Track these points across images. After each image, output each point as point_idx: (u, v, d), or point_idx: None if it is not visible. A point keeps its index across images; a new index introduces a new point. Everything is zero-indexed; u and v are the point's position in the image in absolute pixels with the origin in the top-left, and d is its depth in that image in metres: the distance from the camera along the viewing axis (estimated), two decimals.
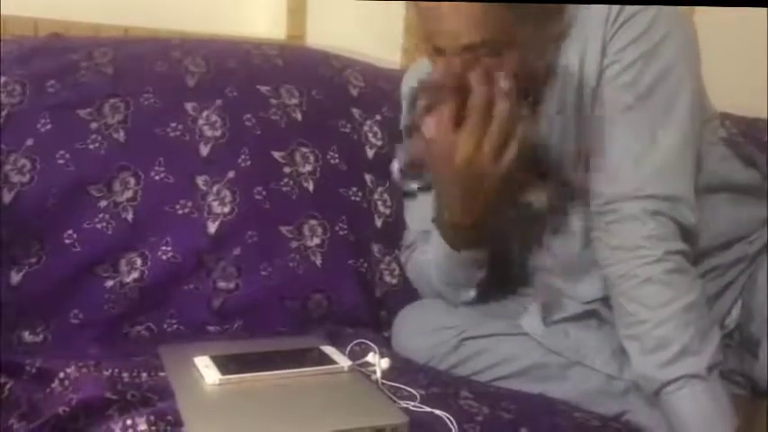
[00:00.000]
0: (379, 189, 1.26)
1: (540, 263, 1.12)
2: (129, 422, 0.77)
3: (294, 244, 1.17)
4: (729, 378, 1.00)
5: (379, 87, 1.35)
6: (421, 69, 1.03)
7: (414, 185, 1.07)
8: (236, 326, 1.13)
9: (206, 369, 0.89)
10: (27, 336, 1.05)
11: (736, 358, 1.04)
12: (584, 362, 1.02)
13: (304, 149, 1.23)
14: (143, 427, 0.77)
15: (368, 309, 1.19)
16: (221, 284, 1.13)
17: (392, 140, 1.27)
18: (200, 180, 1.16)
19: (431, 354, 1.08)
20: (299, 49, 1.47)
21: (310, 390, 0.88)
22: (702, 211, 0.98)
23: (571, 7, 0.99)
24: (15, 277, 1.06)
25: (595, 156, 0.99)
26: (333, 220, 1.20)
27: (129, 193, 1.13)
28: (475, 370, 1.06)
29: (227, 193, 1.16)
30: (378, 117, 1.30)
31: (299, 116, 1.25)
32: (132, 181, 1.13)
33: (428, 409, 0.85)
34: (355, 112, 1.30)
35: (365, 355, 0.97)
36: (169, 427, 0.77)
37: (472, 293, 1.10)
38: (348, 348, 1.00)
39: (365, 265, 1.21)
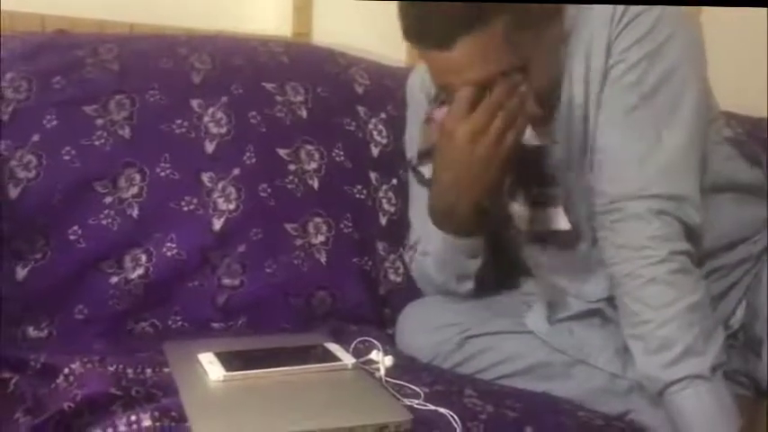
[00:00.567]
0: (384, 187, 1.26)
1: (545, 261, 1.11)
2: (133, 418, 0.77)
3: (299, 241, 1.17)
4: (733, 378, 0.99)
5: (384, 85, 1.35)
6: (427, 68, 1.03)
7: (427, 171, 1.07)
8: (240, 322, 1.13)
9: (210, 365, 0.89)
10: (32, 331, 1.06)
11: (740, 358, 1.03)
12: (588, 360, 1.02)
13: (309, 147, 1.23)
14: (147, 422, 0.77)
15: (372, 306, 1.19)
16: (226, 281, 1.13)
17: (397, 138, 1.27)
18: (205, 177, 1.16)
19: (435, 351, 1.08)
20: (305, 46, 1.47)
21: (314, 387, 0.88)
22: (707, 211, 0.98)
23: (572, 7, 0.99)
24: (21, 273, 1.06)
25: (600, 155, 0.99)
26: (337, 217, 1.20)
27: (134, 190, 1.13)
28: (479, 368, 1.06)
29: (232, 191, 1.16)
30: (383, 115, 1.31)
31: (304, 114, 1.25)
32: (138, 177, 1.14)
33: (432, 407, 0.85)
34: (360, 109, 1.30)
35: (369, 352, 0.97)
36: (173, 423, 0.78)
37: (470, 285, 1.10)
38: (352, 346, 1.00)
39: (370, 262, 1.21)
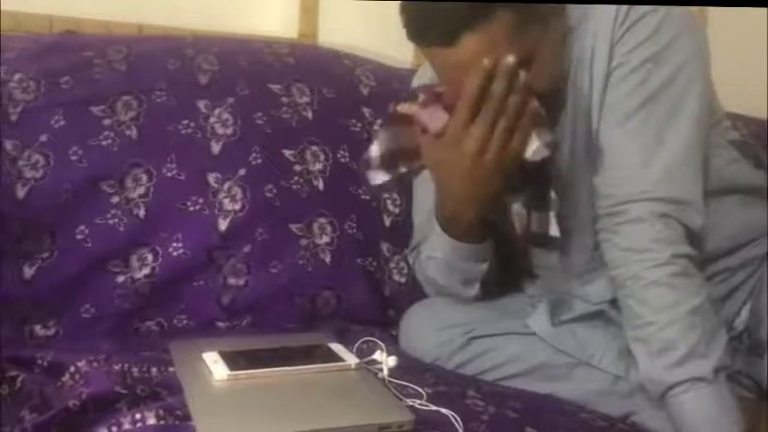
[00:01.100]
0: None
1: (549, 263, 1.12)
2: (138, 416, 0.78)
3: (303, 242, 1.18)
4: (737, 380, 0.99)
5: (390, 87, 1.35)
6: (432, 69, 1.03)
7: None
8: (245, 322, 1.14)
9: (215, 365, 0.90)
10: (39, 329, 1.06)
11: (744, 361, 1.03)
12: (591, 362, 1.02)
13: (314, 148, 1.23)
14: (152, 421, 0.77)
15: (376, 307, 1.20)
16: (231, 281, 1.14)
17: None
18: (211, 177, 1.17)
19: (438, 352, 1.08)
20: (311, 47, 1.47)
21: (317, 386, 0.88)
22: (712, 214, 0.98)
23: (576, 6, 0.99)
24: (28, 272, 1.07)
25: (603, 157, 0.99)
26: (342, 218, 1.21)
27: (140, 190, 1.14)
28: (482, 369, 1.06)
29: (237, 191, 1.17)
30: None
31: (309, 115, 1.26)
32: (144, 177, 1.14)
33: (434, 408, 0.86)
34: (366, 111, 1.30)
35: (372, 352, 0.98)
36: (177, 422, 0.78)
37: (475, 289, 1.10)
38: (356, 346, 1.00)
39: (374, 263, 1.22)
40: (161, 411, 0.78)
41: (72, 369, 0.90)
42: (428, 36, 0.92)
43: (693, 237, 0.95)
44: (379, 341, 1.01)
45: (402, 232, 1.24)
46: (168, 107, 1.19)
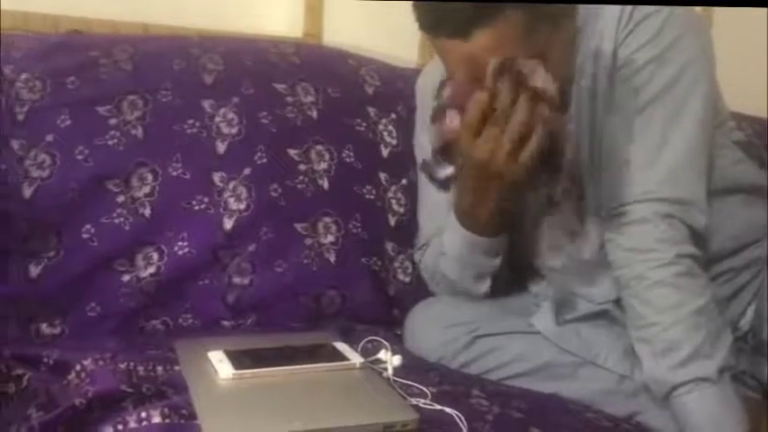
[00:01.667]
0: (394, 188, 1.27)
1: (553, 263, 1.12)
2: (143, 415, 0.78)
3: (308, 241, 1.18)
4: (742, 381, 0.99)
5: (394, 86, 1.35)
6: (438, 67, 1.04)
7: (445, 172, 1.05)
8: (249, 321, 1.14)
9: (220, 363, 0.90)
10: (45, 328, 1.07)
11: (749, 361, 1.03)
12: (596, 361, 1.02)
13: (319, 147, 1.24)
14: (157, 419, 0.78)
15: (381, 306, 1.20)
16: (236, 280, 1.14)
17: (407, 139, 1.28)
18: (216, 177, 1.17)
19: (443, 351, 1.08)
20: (316, 47, 1.48)
21: (322, 385, 0.88)
22: (715, 214, 0.98)
23: (581, 7, 0.99)
24: (34, 270, 1.08)
25: (607, 158, 0.99)
26: (347, 217, 1.21)
27: (146, 189, 1.14)
28: (486, 368, 1.06)
29: (242, 190, 1.17)
30: (393, 116, 1.31)
31: (314, 114, 1.26)
32: (150, 177, 1.15)
33: (438, 407, 0.86)
34: (371, 110, 1.30)
35: (377, 352, 0.98)
36: (183, 421, 0.78)
37: (487, 285, 1.10)
38: (360, 345, 1.00)
39: (379, 263, 1.22)
40: (166, 410, 0.79)
41: (78, 367, 0.90)
42: (440, 28, 0.91)
43: (698, 237, 0.95)
44: (383, 340, 1.01)
45: (407, 231, 1.24)
46: (174, 107, 1.19)
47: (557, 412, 0.93)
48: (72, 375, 0.89)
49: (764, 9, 1.02)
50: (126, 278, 1.10)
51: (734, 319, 1.06)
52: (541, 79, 0.88)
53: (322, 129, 1.25)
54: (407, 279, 1.23)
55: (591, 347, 1.03)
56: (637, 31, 0.96)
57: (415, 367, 1.00)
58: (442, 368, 1.06)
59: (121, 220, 1.12)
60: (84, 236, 1.10)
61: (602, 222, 1.02)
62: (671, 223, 0.94)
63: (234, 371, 0.88)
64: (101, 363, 0.91)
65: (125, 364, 0.92)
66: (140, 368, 0.92)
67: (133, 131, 1.16)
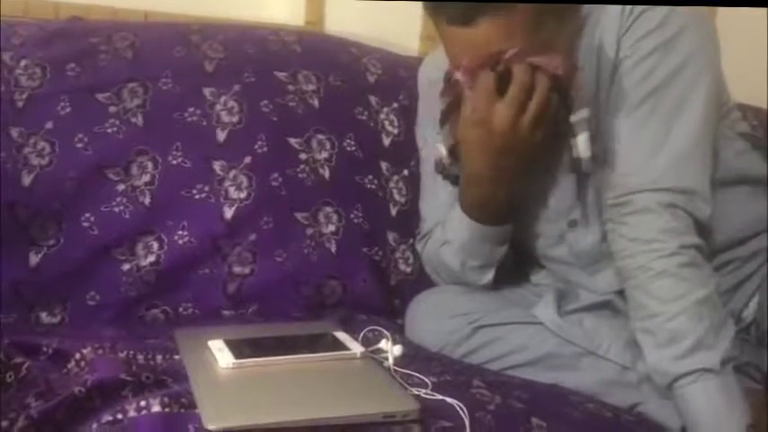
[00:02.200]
0: (395, 177, 1.26)
1: (556, 254, 1.11)
2: (143, 403, 0.78)
3: (309, 231, 1.17)
4: (745, 372, 0.99)
5: (396, 75, 1.34)
6: (439, 57, 1.03)
7: (457, 172, 1.07)
8: (250, 310, 1.14)
9: (220, 352, 0.90)
10: (44, 317, 1.07)
11: (752, 352, 1.03)
12: (598, 352, 1.02)
13: (320, 136, 1.23)
14: (157, 408, 0.77)
15: (381, 296, 1.20)
16: (236, 269, 1.14)
17: (409, 128, 1.27)
18: (216, 165, 1.16)
19: (444, 341, 1.08)
20: (317, 35, 1.47)
21: (323, 375, 0.88)
22: (720, 205, 0.98)
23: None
24: (33, 259, 1.07)
25: (611, 148, 0.98)
26: (348, 207, 1.21)
27: (146, 177, 1.14)
28: (488, 358, 1.06)
29: (243, 179, 1.17)
30: (395, 105, 1.30)
31: (316, 103, 1.25)
32: (150, 165, 1.14)
33: (439, 397, 0.85)
34: (372, 99, 1.30)
35: (378, 341, 0.97)
36: (183, 410, 0.78)
37: (491, 274, 1.10)
38: (361, 335, 1.00)
39: (380, 253, 1.21)
40: (166, 399, 0.78)
41: (77, 356, 0.90)
42: (446, 14, 0.92)
43: (701, 227, 0.95)
44: (384, 330, 1.00)
45: (408, 221, 1.24)
46: (174, 95, 1.19)
47: (558, 403, 0.93)
48: (71, 364, 0.89)
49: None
50: (126, 267, 1.10)
51: (737, 310, 1.06)
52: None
53: (323, 117, 1.24)
54: (408, 269, 1.22)
55: (593, 338, 1.03)
56: (641, 20, 0.96)
57: (415, 357, 1.00)
58: (443, 358, 1.05)
59: (121, 208, 1.12)
60: (84, 224, 1.10)
61: (603, 212, 1.01)
62: (674, 213, 0.94)
63: (234, 360, 0.88)
64: (100, 351, 0.91)
65: (125, 352, 0.91)
66: (140, 357, 0.91)
67: (133, 119, 1.16)
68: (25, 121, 1.11)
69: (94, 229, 1.10)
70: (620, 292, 1.03)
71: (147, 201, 1.13)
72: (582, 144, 0.97)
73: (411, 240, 1.23)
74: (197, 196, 1.14)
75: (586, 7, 0.99)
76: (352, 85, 1.30)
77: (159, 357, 0.92)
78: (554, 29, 0.93)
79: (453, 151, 1.03)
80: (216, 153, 1.17)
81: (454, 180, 1.06)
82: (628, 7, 0.96)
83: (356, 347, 0.95)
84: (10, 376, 0.86)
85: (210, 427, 0.74)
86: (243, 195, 1.16)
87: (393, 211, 1.25)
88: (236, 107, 1.20)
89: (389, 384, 0.87)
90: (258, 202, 1.16)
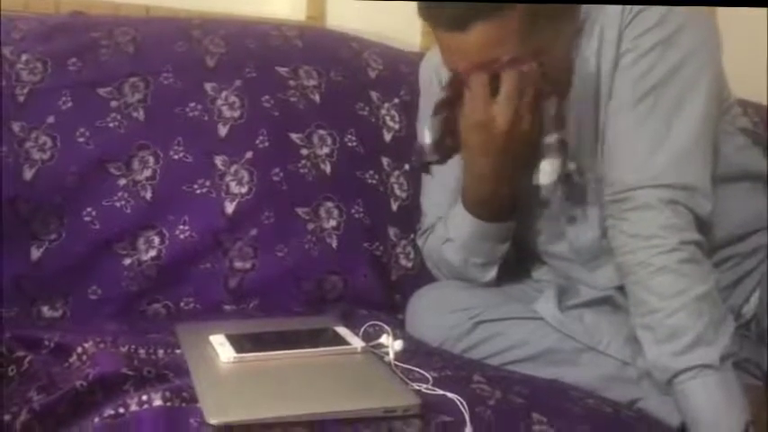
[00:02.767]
0: (396, 173, 1.26)
1: (557, 250, 1.11)
2: (144, 398, 0.78)
3: (310, 226, 1.17)
4: (745, 368, 0.99)
5: (397, 70, 1.34)
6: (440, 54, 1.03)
7: (434, 159, 1.07)
8: (251, 305, 1.14)
9: (221, 347, 0.90)
10: (46, 311, 1.07)
11: (752, 348, 1.03)
12: (598, 347, 1.02)
13: (322, 131, 1.23)
14: (158, 402, 0.77)
15: (382, 291, 1.20)
16: (238, 264, 1.14)
17: (410, 124, 1.27)
18: (218, 160, 1.17)
19: (444, 336, 1.08)
20: (319, 30, 1.47)
21: (323, 370, 0.88)
22: (720, 201, 0.98)
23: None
24: (35, 253, 1.08)
25: (611, 143, 0.98)
26: (349, 202, 1.21)
27: (147, 172, 1.14)
28: (488, 353, 1.06)
29: (244, 174, 1.17)
30: (396, 100, 1.30)
31: (317, 98, 1.25)
32: (151, 160, 1.14)
33: (440, 392, 0.85)
34: (373, 94, 1.30)
35: (379, 336, 0.98)
36: (184, 404, 0.78)
37: (494, 272, 1.11)
38: (362, 330, 1.00)
39: (381, 248, 1.22)
40: (168, 393, 0.79)
41: (79, 350, 0.90)
42: (439, 19, 0.93)
43: (702, 223, 0.95)
44: (385, 325, 1.01)
45: (409, 217, 1.24)
46: (175, 89, 1.19)
47: (558, 398, 0.93)
48: (73, 358, 0.89)
49: None
50: (127, 261, 1.10)
51: (737, 306, 1.06)
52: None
53: (324, 113, 1.24)
54: (409, 264, 1.23)
55: (593, 333, 1.03)
56: (642, 15, 0.96)
57: (416, 352, 1.00)
58: (443, 353, 1.05)
59: (123, 203, 1.12)
60: (86, 219, 1.10)
61: (603, 208, 1.01)
62: (675, 209, 0.94)
63: (235, 354, 0.88)
64: (102, 346, 0.91)
65: (126, 347, 0.91)
66: (141, 351, 0.91)
67: (134, 114, 1.16)
68: (27, 116, 1.11)
69: (96, 224, 1.10)
70: (621, 288, 1.03)
71: (148, 195, 1.13)
72: (544, 170, 0.98)
73: (412, 235, 1.23)
74: (198, 191, 1.14)
75: (584, 9, 0.99)
76: (353, 81, 1.30)
77: (161, 352, 0.92)
78: (548, 34, 0.94)
79: (439, 144, 1.03)
80: (217, 148, 1.17)
81: (426, 168, 1.06)
82: (628, 7, 0.96)
83: (357, 342, 0.95)
84: (12, 370, 0.87)
85: (212, 421, 0.74)
86: (244, 190, 1.16)
87: (394, 207, 1.25)
88: (238, 102, 1.20)
89: (390, 379, 0.87)
90: (259, 197, 1.16)
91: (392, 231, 1.23)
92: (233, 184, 1.16)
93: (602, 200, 1.01)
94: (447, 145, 1.03)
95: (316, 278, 1.16)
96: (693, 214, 0.94)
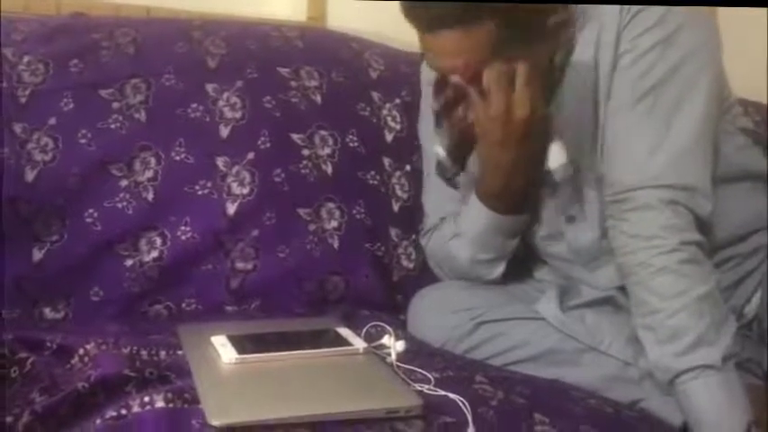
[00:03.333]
0: (398, 173, 1.26)
1: (556, 250, 1.11)
2: (146, 399, 0.78)
3: (312, 226, 1.17)
4: (747, 368, 0.99)
5: (398, 70, 1.34)
6: None
7: (455, 170, 1.07)
8: (253, 306, 1.14)
9: (223, 348, 0.90)
10: (48, 312, 1.07)
11: (754, 348, 1.03)
12: (600, 348, 1.02)
13: (323, 132, 1.23)
14: (160, 404, 0.77)
15: (384, 292, 1.20)
16: (239, 265, 1.14)
17: (411, 124, 1.27)
18: (219, 161, 1.17)
19: (446, 336, 1.08)
20: (320, 30, 1.47)
21: (325, 370, 0.88)
22: (721, 201, 0.97)
23: None
24: (37, 254, 1.08)
25: (611, 144, 0.98)
26: (350, 203, 1.21)
27: (149, 173, 1.14)
28: (490, 353, 1.06)
29: (246, 175, 1.17)
30: (397, 100, 1.30)
31: (318, 99, 1.25)
32: (153, 161, 1.14)
33: (442, 393, 0.85)
34: (375, 95, 1.30)
35: (380, 337, 0.98)
36: (186, 405, 0.78)
37: (501, 269, 1.11)
38: (364, 330, 1.00)
39: (382, 248, 1.22)
40: (169, 394, 0.79)
41: (81, 351, 0.90)
42: (414, 20, 0.94)
43: (702, 223, 0.95)
44: (387, 326, 1.01)
45: (411, 217, 1.24)
46: (177, 90, 1.19)
47: (560, 398, 0.93)
48: (75, 359, 0.89)
49: None
50: (129, 263, 1.10)
51: (738, 306, 1.06)
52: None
53: (326, 113, 1.24)
54: (411, 265, 1.23)
55: (595, 334, 1.03)
56: (641, 15, 0.96)
57: (418, 353, 1.00)
58: (445, 354, 1.05)
59: (124, 204, 1.12)
60: (88, 220, 1.10)
61: (602, 208, 1.01)
62: (675, 210, 0.94)
63: (237, 355, 0.88)
64: (104, 347, 0.91)
65: (128, 348, 0.91)
66: (143, 352, 0.91)
67: (136, 115, 1.16)
68: (28, 117, 1.11)
69: (98, 225, 1.10)
70: (622, 288, 1.03)
71: (150, 196, 1.13)
72: (553, 153, 0.98)
73: (413, 236, 1.23)
74: (200, 192, 1.15)
75: (581, 10, 0.99)
76: (354, 81, 1.30)
77: (162, 353, 0.92)
78: (519, 51, 0.94)
79: (453, 151, 1.03)
80: (219, 149, 1.17)
81: (455, 182, 1.07)
82: (626, 7, 0.96)
83: (359, 343, 0.95)
84: (14, 371, 0.87)
85: (214, 422, 0.74)
86: (245, 191, 1.16)
87: (395, 207, 1.25)
88: (239, 103, 1.20)
89: (392, 380, 0.87)
90: (261, 198, 1.16)
91: (394, 232, 1.23)
92: (234, 185, 1.16)
93: (602, 200, 1.01)
94: (460, 150, 1.03)
95: (317, 279, 1.16)
96: (694, 214, 0.94)
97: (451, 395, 0.85)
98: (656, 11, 0.96)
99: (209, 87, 1.20)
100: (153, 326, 1.04)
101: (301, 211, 1.18)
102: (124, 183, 1.12)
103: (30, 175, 1.09)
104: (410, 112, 1.28)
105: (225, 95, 1.20)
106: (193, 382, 0.82)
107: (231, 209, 1.15)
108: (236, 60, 1.24)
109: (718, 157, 1.00)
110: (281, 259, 1.15)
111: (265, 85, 1.23)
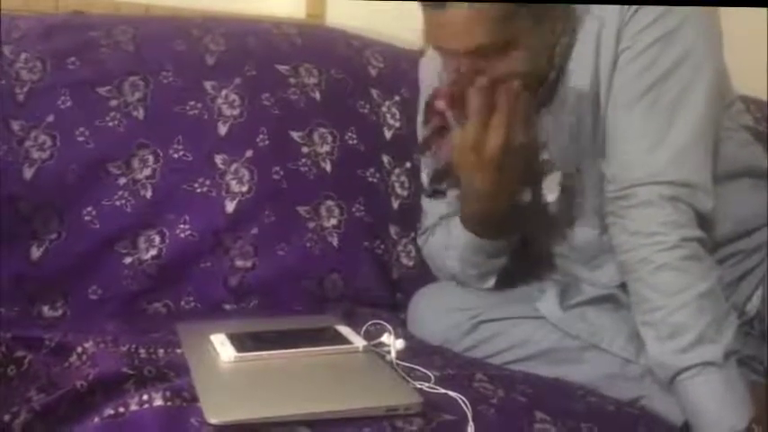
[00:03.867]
0: (397, 171, 1.26)
1: (558, 248, 1.11)
2: (145, 397, 0.78)
3: (311, 224, 1.17)
4: (749, 365, 0.99)
5: (398, 68, 1.34)
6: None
7: (443, 188, 1.09)
8: (252, 304, 1.14)
9: (222, 346, 0.90)
10: (46, 310, 1.07)
11: (755, 345, 1.03)
12: (601, 345, 1.02)
13: (322, 130, 1.23)
14: (159, 402, 0.77)
15: (384, 290, 1.19)
16: (238, 263, 1.13)
17: (411, 122, 1.27)
18: (218, 159, 1.16)
19: (446, 335, 1.08)
20: (319, 28, 1.46)
21: (325, 369, 0.88)
22: (723, 197, 0.97)
23: None
24: (35, 253, 1.07)
25: (611, 141, 0.98)
26: (350, 201, 1.20)
27: (147, 171, 1.13)
28: (490, 352, 1.06)
29: (245, 173, 1.16)
30: (396, 98, 1.30)
31: (317, 96, 1.25)
32: (151, 159, 1.14)
33: (442, 391, 0.85)
34: (374, 92, 1.30)
35: (380, 335, 0.97)
36: (185, 403, 0.78)
37: (492, 282, 1.10)
38: (363, 328, 1.00)
39: (382, 246, 1.21)
40: (168, 393, 0.78)
41: (79, 350, 0.90)
42: None
43: (703, 220, 0.95)
44: (386, 324, 1.00)
45: (410, 215, 1.23)
46: (175, 88, 1.18)
47: (561, 396, 0.93)
48: (73, 357, 0.89)
49: None
50: (128, 260, 1.10)
51: (740, 303, 1.05)
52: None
53: (325, 111, 1.24)
54: (411, 263, 1.22)
55: (596, 331, 1.03)
56: (642, 11, 0.96)
57: (418, 351, 1.00)
58: (445, 352, 1.05)
59: (123, 202, 1.11)
60: (86, 218, 1.10)
61: (602, 206, 1.01)
62: (676, 206, 0.93)
63: (236, 354, 0.88)
64: (102, 345, 0.90)
65: (127, 346, 0.91)
66: (142, 351, 0.91)
67: (134, 113, 1.15)
68: (26, 115, 1.11)
69: (96, 223, 1.10)
70: (623, 286, 1.03)
71: (148, 194, 1.12)
72: (548, 187, 0.99)
73: (413, 234, 1.23)
74: (198, 190, 1.14)
75: (581, 8, 0.99)
76: (353, 79, 1.29)
77: (161, 351, 0.92)
78: (525, 29, 0.93)
79: (439, 174, 1.04)
80: (217, 146, 1.17)
81: (443, 195, 1.07)
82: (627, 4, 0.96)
83: (358, 341, 0.94)
84: (12, 370, 0.87)
85: (212, 420, 0.74)
86: (244, 189, 1.16)
87: (395, 205, 1.25)
88: (238, 100, 1.20)
89: (392, 378, 0.87)
90: (260, 196, 1.16)
91: (393, 230, 1.23)
92: (233, 183, 1.16)
93: (602, 198, 1.00)
94: (443, 177, 1.04)
95: (317, 277, 1.16)
96: (695, 211, 0.94)
97: (451, 393, 0.84)
98: (657, 8, 0.95)
99: (208, 85, 1.20)
100: (152, 324, 1.04)
101: (300, 209, 1.18)
102: (122, 181, 1.12)
103: (28, 173, 1.09)
104: (409, 109, 1.27)
105: (224, 93, 1.20)
106: (192, 381, 0.82)
107: (230, 207, 1.15)
108: (234, 58, 1.24)
109: (719, 154, 1.00)
110: (281, 257, 1.15)
111: (264, 82, 1.23)
